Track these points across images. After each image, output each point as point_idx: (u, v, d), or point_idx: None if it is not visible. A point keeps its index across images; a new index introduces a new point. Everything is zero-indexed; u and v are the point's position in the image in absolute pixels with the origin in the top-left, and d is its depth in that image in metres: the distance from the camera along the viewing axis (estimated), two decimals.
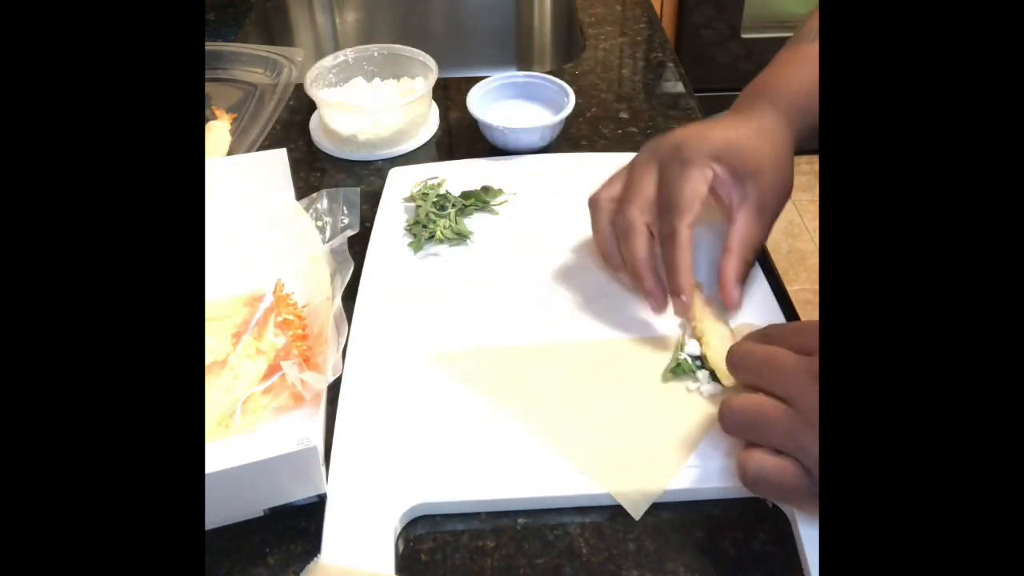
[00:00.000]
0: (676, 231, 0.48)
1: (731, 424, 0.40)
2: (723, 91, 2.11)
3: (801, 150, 0.54)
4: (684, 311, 0.49)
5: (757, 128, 0.51)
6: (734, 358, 0.42)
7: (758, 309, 0.53)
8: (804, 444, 0.36)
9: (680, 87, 0.81)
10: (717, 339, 0.48)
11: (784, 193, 0.52)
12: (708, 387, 0.47)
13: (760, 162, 0.50)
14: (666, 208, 0.49)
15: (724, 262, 0.50)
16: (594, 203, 0.53)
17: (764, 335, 0.43)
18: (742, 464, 0.38)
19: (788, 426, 0.37)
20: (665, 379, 0.48)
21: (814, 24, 0.57)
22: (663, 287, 0.50)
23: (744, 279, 0.51)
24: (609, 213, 0.52)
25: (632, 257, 0.50)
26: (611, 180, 0.54)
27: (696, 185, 0.48)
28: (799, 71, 0.54)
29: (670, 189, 0.49)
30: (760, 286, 0.54)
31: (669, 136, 0.52)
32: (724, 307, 0.51)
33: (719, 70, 2.03)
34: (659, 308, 0.51)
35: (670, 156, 0.50)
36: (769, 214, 0.51)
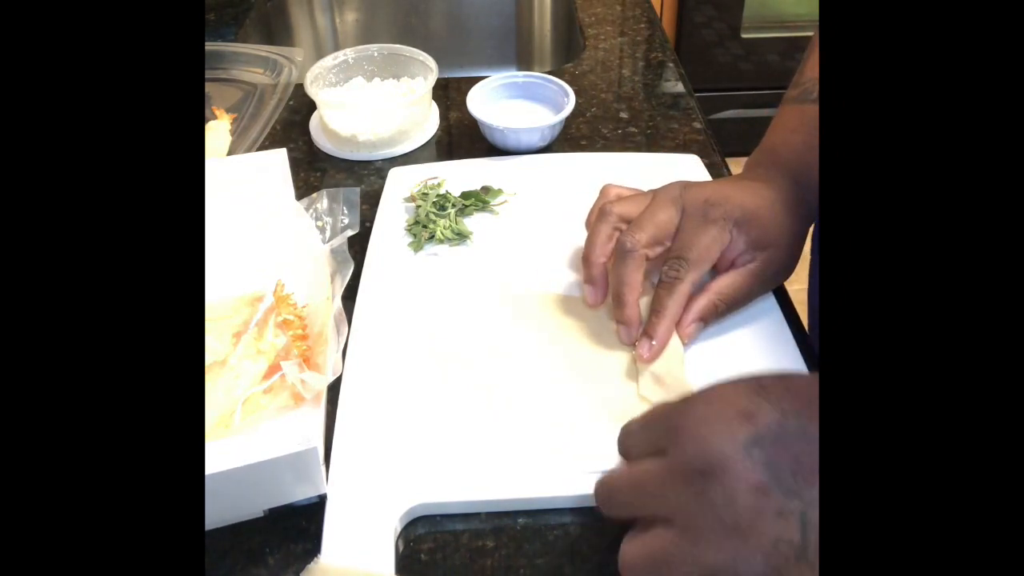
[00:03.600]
0: (678, 281, 0.49)
1: (611, 510, 0.37)
2: (723, 91, 2.12)
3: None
4: (651, 357, 0.48)
5: (782, 202, 0.52)
6: (602, 498, 0.38)
7: (758, 309, 0.53)
8: (699, 559, 0.33)
9: (680, 87, 0.81)
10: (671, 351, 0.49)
11: (786, 272, 0.53)
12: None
13: (776, 237, 0.51)
14: (676, 255, 0.49)
15: (696, 298, 0.50)
16: (604, 213, 0.52)
17: (620, 443, 0.39)
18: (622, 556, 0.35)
19: (680, 552, 0.33)
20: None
21: (815, 76, 0.56)
22: (639, 322, 0.50)
23: (707, 322, 0.50)
24: (612, 229, 0.51)
25: (622, 280, 0.49)
26: (631, 199, 0.53)
27: (711, 245, 0.49)
28: (812, 139, 0.53)
29: (687, 239, 0.49)
30: None
31: (699, 187, 0.52)
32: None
33: (719, 70, 2.04)
34: (627, 339, 0.50)
35: (696, 208, 0.50)
36: (763, 283, 0.52)
